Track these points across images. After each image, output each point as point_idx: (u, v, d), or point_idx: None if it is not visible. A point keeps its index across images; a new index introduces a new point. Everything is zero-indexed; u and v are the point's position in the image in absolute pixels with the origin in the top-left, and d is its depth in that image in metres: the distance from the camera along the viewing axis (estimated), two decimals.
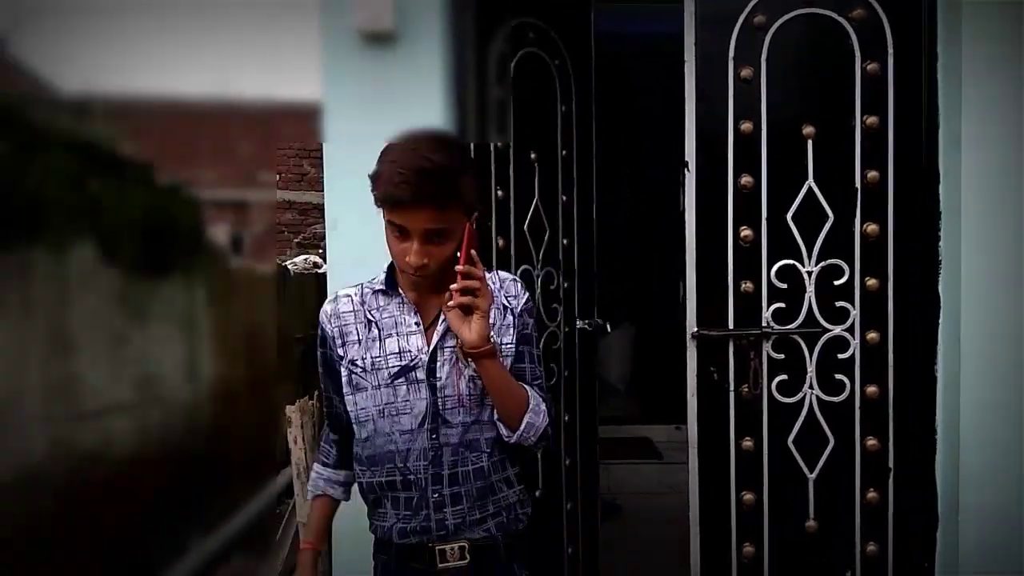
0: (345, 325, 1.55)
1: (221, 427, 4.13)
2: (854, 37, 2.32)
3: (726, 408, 2.39)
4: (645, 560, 3.29)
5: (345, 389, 1.54)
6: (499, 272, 1.61)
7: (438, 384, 1.50)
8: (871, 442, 2.37)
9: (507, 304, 1.55)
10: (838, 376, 2.37)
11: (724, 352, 2.38)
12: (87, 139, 3.00)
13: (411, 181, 1.36)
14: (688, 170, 2.37)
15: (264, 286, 4.99)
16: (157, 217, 3.45)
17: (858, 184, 2.34)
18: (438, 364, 1.50)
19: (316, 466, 1.69)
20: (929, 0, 2.31)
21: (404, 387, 1.50)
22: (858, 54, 2.32)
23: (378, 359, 1.51)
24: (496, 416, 1.52)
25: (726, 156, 2.36)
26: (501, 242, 2.49)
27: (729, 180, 2.37)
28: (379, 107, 2.21)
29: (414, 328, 1.52)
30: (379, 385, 1.51)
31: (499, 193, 2.49)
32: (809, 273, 2.37)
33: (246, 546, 3.56)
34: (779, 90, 2.35)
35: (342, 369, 1.54)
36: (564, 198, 2.70)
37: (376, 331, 1.53)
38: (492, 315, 1.50)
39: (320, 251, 7.03)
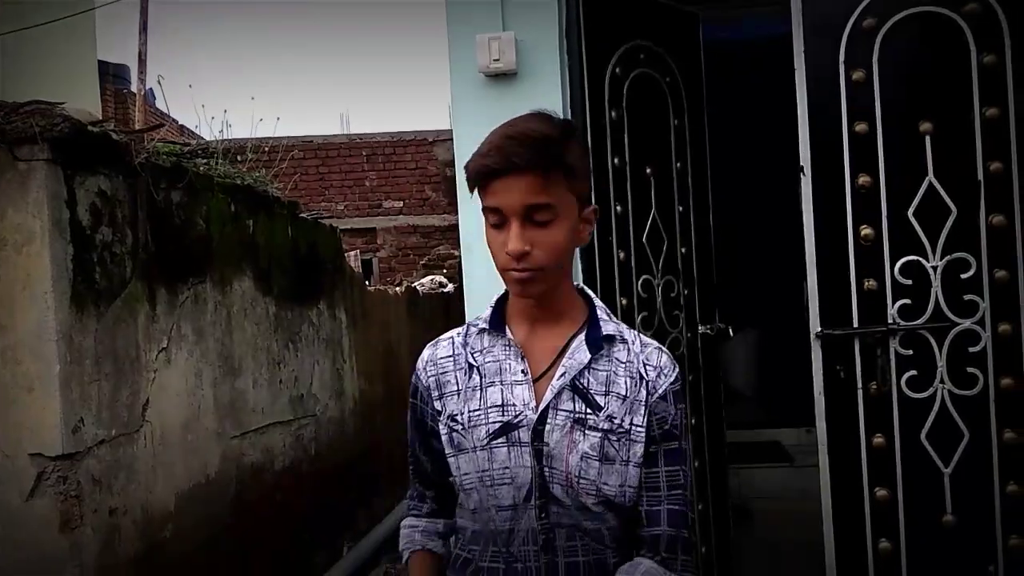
0: (443, 373, 1.27)
1: (368, 440, 4.42)
2: (968, 31, 2.32)
3: (855, 406, 2.41)
4: (777, 562, 3.29)
5: (447, 449, 1.25)
6: (641, 336, 1.29)
7: (545, 451, 1.19)
8: (1009, 434, 2.33)
9: (644, 375, 1.23)
10: (970, 369, 2.35)
11: (850, 350, 2.41)
12: (240, 182, 3.32)
13: (502, 147, 1.15)
14: (804, 174, 2.43)
15: (396, 306, 5.28)
16: (302, 248, 3.76)
17: (981, 176, 2.33)
18: (547, 428, 1.20)
19: (407, 520, 1.39)
20: None
21: (503, 450, 1.20)
22: (973, 48, 2.32)
23: (477, 413, 1.23)
24: None
25: (842, 157, 2.39)
26: (622, 255, 2.61)
27: (846, 181, 2.40)
28: None
29: (520, 378, 1.22)
30: (475, 447, 1.22)
31: (618, 208, 2.61)
32: (934, 268, 2.37)
33: (393, 550, 3.79)
34: (893, 89, 2.36)
35: (441, 427, 1.26)
36: (680, 208, 2.79)
37: (477, 378, 1.24)
38: (623, 384, 1.23)
39: (444, 271, 7.32)
